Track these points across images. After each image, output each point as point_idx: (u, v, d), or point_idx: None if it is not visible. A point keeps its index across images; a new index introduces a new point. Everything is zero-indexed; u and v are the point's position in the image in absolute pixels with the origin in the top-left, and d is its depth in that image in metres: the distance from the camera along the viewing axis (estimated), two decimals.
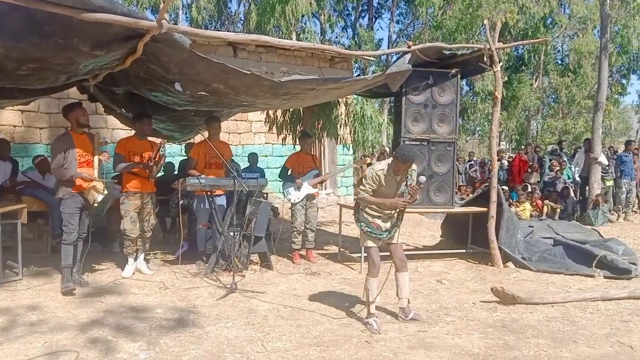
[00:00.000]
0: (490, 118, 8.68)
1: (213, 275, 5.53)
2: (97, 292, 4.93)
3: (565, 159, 12.87)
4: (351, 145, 10.08)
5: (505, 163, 13.44)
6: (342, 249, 6.77)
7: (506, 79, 23.48)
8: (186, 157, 6.95)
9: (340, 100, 8.05)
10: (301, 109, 8.05)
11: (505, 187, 11.67)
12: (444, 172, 6.53)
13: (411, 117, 6.38)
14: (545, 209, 10.72)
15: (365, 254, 4.80)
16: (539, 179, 12.58)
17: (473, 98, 25.47)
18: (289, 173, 6.58)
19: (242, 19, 25.26)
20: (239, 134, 11.65)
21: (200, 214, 5.98)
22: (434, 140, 6.46)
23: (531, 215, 10.48)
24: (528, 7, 20.27)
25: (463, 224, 6.88)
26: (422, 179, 4.12)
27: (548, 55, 26.19)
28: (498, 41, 6.32)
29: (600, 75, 11.17)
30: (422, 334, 3.90)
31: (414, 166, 4.03)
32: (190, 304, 4.59)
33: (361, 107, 8.65)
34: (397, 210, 4.08)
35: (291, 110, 8.19)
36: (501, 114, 16.56)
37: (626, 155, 11.28)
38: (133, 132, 5.88)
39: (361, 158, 7.75)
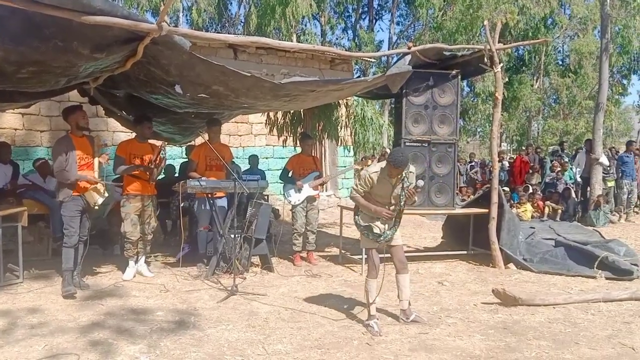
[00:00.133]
0: (491, 119, 8.66)
1: (214, 277, 5.53)
2: (97, 294, 4.92)
3: (566, 159, 12.86)
4: (352, 146, 10.06)
5: (506, 164, 13.42)
6: (343, 251, 6.76)
7: (507, 79, 23.46)
8: (187, 160, 6.94)
9: (340, 101, 8.06)
10: (302, 110, 8.05)
11: (507, 188, 11.67)
12: (445, 174, 6.52)
13: (412, 118, 6.38)
14: (546, 210, 10.71)
15: (366, 256, 4.80)
16: (540, 180, 12.57)
17: (474, 99, 25.46)
18: (289, 175, 6.57)
19: (243, 21, 25.30)
20: (240, 135, 11.65)
21: (201, 216, 5.98)
22: (435, 141, 6.45)
23: (532, 217, 10.47)
24: (528, 8, 20.28)
25: (464, 225, 6.88)
26: (421, 183, 4.12)
27: (549, 55, 26.16)
28: (498, 42, 6.31)
29: (600, 76, 11.15)
30: (423, 336, 3.89)
31: (411, 168, 4.02)
32: (191, 306, 4.59)
33: (362, 109, 8.65)
34: (397, 212, 4.07)
35: (292, 112, 8.19)
36: (502, 114, 16.59)
37: (627, 156, 11.27)
38: (134, 134, 5.89)
39: (362, 160, 7.73)
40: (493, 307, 4.62)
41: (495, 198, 6.32)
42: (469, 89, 25.85)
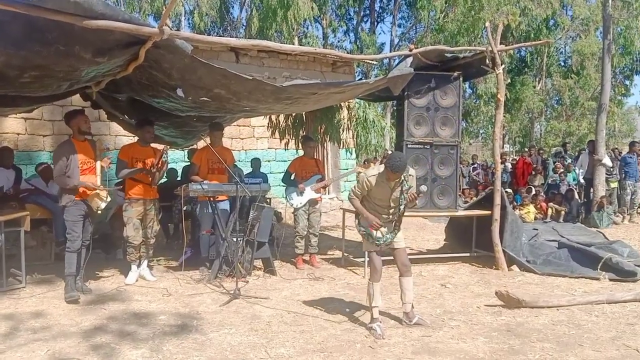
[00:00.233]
0: (493, 121, 8.66)
1: (216, 281, 5.52)
2: (100, 299, 4.93)
3: (569, 161, 12.83)
4: (354, 149, 10.05)
5: (509, 166, 13.39)
6: (345, 254, 6.75)
7: (509, 81, 23.40)
8: (189, 163, 6.95)
9: (342, 104, 8.05)
10: (303, 113, 8.05)
11: (509, 190, 11.64)
12: (447, 176, 6.51)
13: (414, 120, 6.37)
14: (549, 212, 10.69)
15: (369, 259, 4.79)
16: (543, 182, 12.54)
17: (476, 101, 25.43)
18: (292, 178, 6.57)
19: (244, 24, 25.33)
20: (242, 139, 11.67)
21: (203, 219, 5.97)
22: (437, 143, 6.44)
23: (535, 218, 10.45)
24: (530, 9, 20.28)
25: (467, 227, 6.86)
26: (424, 188, 4.11)
27: (551, 57, 26.15)
28: (500, 43, 6.30)
29: (603, 77, 11.13)
30: (426, 338, 3.87)
31: (411, 171, 4.01)
32: (194, 310, 4.59)
33: (364, 111, 8.63)
34: (396, 215, 4.07)
35: (293, 115, 8.19)
36: (504, 116, 16.56)
37: (630, 157, 11.22)
38: (136, 138, 5.89)
39: (364, 162, 7.73)
40: (496, 309, 4.60)
41: (497, 200, 6.31)
42: (471, 91, 25.82)
